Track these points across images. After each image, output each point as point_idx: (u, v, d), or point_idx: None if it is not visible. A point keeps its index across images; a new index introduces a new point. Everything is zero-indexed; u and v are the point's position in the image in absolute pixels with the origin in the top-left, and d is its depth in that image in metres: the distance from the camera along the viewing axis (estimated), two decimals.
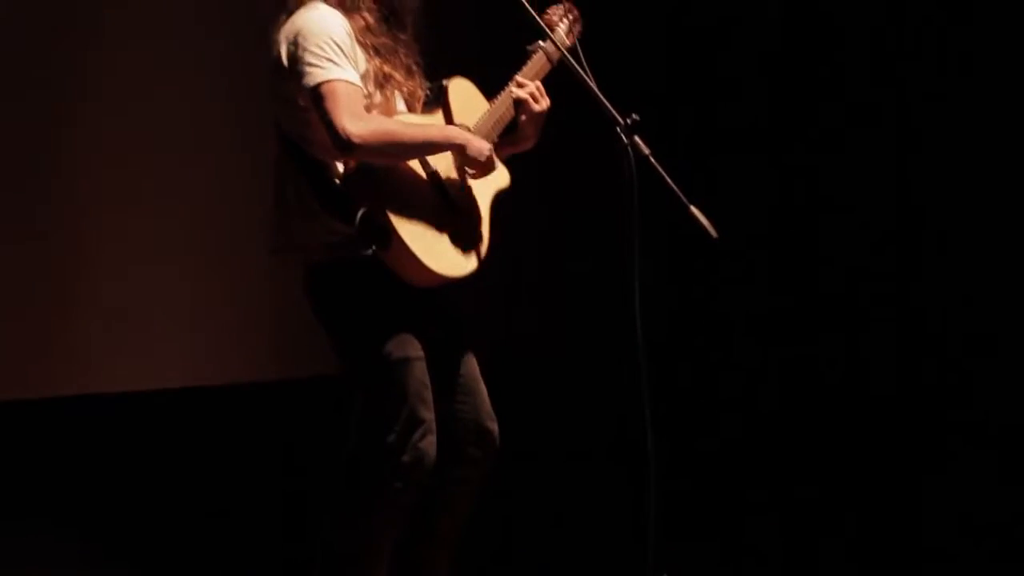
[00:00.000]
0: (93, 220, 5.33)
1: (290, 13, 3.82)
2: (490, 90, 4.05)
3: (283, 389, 5.53)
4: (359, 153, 3.70)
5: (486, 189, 3.99)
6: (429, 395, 3.81)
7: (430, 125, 3.90)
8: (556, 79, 3.98)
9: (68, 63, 5.27)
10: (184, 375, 5.40)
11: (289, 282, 3.93)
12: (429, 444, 3.79)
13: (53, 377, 5.21)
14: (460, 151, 3.87)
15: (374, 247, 3.73)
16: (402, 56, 3.90)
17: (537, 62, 4.04)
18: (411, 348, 3.79)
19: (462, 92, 4.02)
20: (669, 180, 3.69)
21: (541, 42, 4.04)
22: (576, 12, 4.23)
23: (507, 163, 4.07)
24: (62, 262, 5.29)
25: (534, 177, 4.12)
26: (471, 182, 3.95)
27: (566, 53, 3.88)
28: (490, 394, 3.99)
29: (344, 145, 3.67)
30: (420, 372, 3.80)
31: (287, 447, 5.50)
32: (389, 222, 3.73)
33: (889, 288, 6.13)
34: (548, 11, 4.16)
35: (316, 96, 3.70)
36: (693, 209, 3.69)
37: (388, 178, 3.79)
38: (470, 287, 3.93)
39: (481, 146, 3.88)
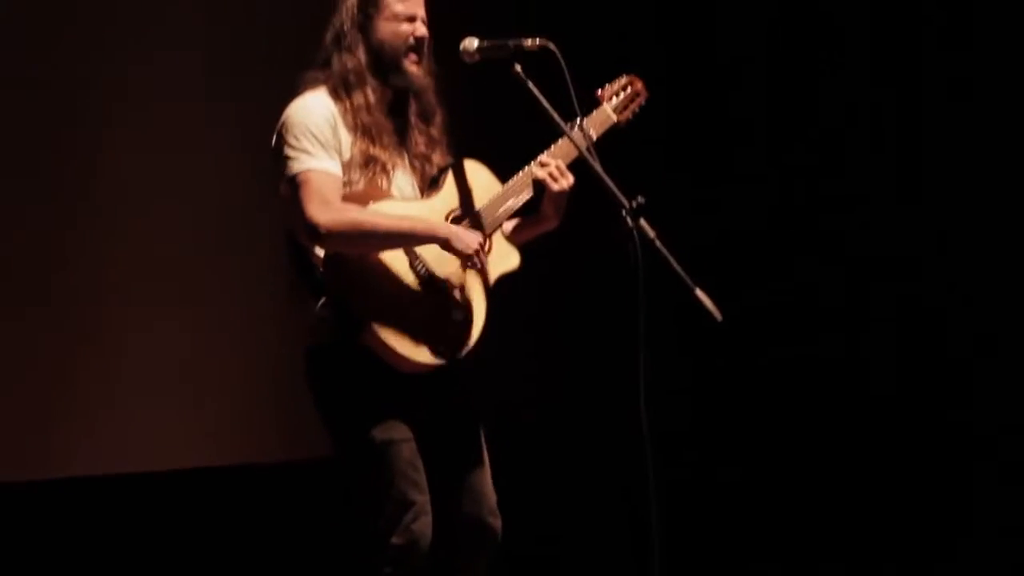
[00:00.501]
0: (96, 304, 5.36)
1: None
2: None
3: (288, 471, 5.55)
4: (327, 242, 3.71)
5: (490, 271, 3.95)
6: (420, 477, 3.79)
7: (410, 217, 3.81)
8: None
9: (71, 146, 5.31)
10: (188, 456, 5.43)
11: (294, 363, 3.93)
12: (423, 525, 3.78)
13: (53, 459, 5.23)
14: (444, 244, 3.80)
15: (346, 335, 3.73)
16: (409, 137, 3.88)
17: (564, 145, 3.96)
18: (396, 431, 3.78)
19: (470, 174, 3.96)
20: (674, 263, 3.68)
21: (580, 120, 3.97)
22: (639, 85, 4.17)
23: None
24: (64, 343, 5.31)
25: (540, 255, 4.10)
26: (468, 269, 3.90)
27: (581, 149, 3.82)
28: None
29: (312, 233, 3.69)
30: (408, 453, 3.79)
31: (291, 530, 5.53)
32: (357, 311, 3.73)
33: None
34: (608, 84, 4.13)
35: (292, 186, 3.72)
36: (698, 292, 3.68)
37: (363, 266, 3.77)
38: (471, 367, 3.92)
39: (469, 240, 3.81)
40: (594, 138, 3.99)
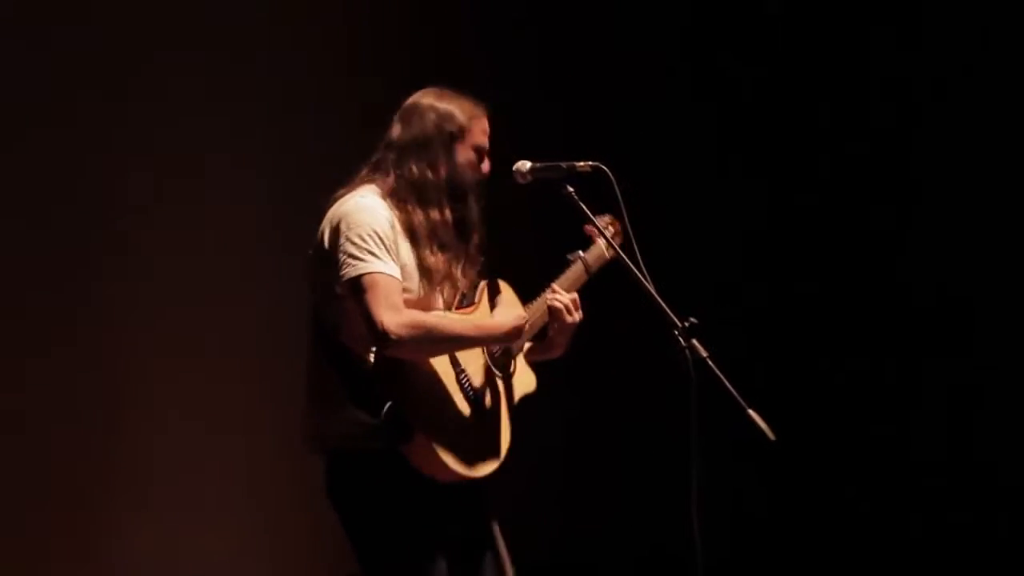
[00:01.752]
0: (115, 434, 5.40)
1: (338, 197, 3.82)
2: (528, 294, 4.06)
3: None
4: (396, 347, 3.67)
5: (513, 392, 3.99)
6: None
7: (468, 319, 3.87)
8: (614, 278, 3.97)
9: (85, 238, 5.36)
10: None
11: (316, 483, 3.91)
12: None
13: None
14: (500, 340, 3.87)
15: (394, 442, 3.71)
16: (453, 257, 3.85)
17: (575, 271, 4.06)
18: (431, 551, 3.76)
19: (499, 295, 4.00)
20: (727, 383, 3.68)
21: (581, 252, 4.08)
22: (617, 225, 4.17)
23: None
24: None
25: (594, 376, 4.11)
26: (500, 384, 3.93)
27: (633, 268, 3.85)
28: None
29: (381, 338, 3.65)
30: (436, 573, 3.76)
31: None
32: (411, 418, 3.71)
33: None
34: (593, 221, 4.11)
35: (356, 288, 3.68)
36: (751, 412, 3.68)
37: (415, 373, 3.75)
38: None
39: (518, 324, 3.86)
40: (594, 271, 4.08)
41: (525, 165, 3.94)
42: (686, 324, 3.71)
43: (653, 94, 6.70)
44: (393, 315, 3.65)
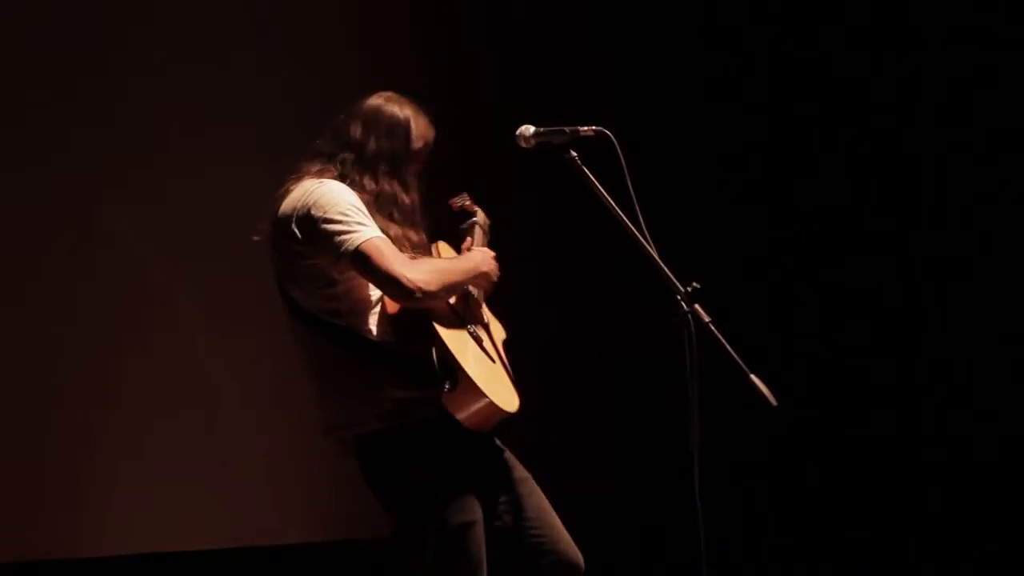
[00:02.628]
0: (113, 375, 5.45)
1: (285, 192, 3.85)
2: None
3: (313, 553, 5.55)
4: (428, 297, 3.74)
5: (496, 336, 4.08)
6: (485, 557, 3.82)
7: (461, 258, 4.02)
8: (618, 247, 3.98)
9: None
10: (212, 537, 5.45)
11: (318, 443, 3.92)
12: None
13: (63, 540, 5.32)
14: (486, 274, 4.01)
15: (444, 385, 3.73)
16: (408, 222, 3.94)
17: (479, 234, 4.18)
18: (471, 511, 3.81)
19: (446, 252, 4.13)
20: (730, 348, 3.68)
21: (473, 219, 4.22)
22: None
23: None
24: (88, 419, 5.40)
25: (586, 335, 4.12)
26: (484, 334, 4.01)
27: (638, 236, 3.85)
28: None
29: (409, 294, 3.71)
30: (479, 536, 3.82)
31: None
32: (455, 360, 3.74)
33: None
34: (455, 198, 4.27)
35: (360, 258, 3.72)
36: (753, 377, 3.67)
37: (435, 324, 3.80)
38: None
39: (487, 257, 4.04)
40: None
41: (528, 130, 3.95)
42: (689, 289, 3.71)
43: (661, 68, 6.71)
44: (412, 269, 3.72)
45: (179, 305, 5.62)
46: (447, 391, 3.73)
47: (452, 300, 3.95)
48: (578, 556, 3.97)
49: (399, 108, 3.96)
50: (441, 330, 3.79)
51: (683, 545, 3.79)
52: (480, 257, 4.03)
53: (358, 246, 3.72)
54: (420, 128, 3.97)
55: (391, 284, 3.71)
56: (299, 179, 3.87)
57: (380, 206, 3.87)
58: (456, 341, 3.82)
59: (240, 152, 5.60)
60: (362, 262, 3.72)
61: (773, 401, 3.66)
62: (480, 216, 4.26)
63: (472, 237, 4.18)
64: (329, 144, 3.95)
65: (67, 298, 5.43)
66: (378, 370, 3.77)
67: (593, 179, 3.88)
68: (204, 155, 5.65)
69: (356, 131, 3.93)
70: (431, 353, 3.74)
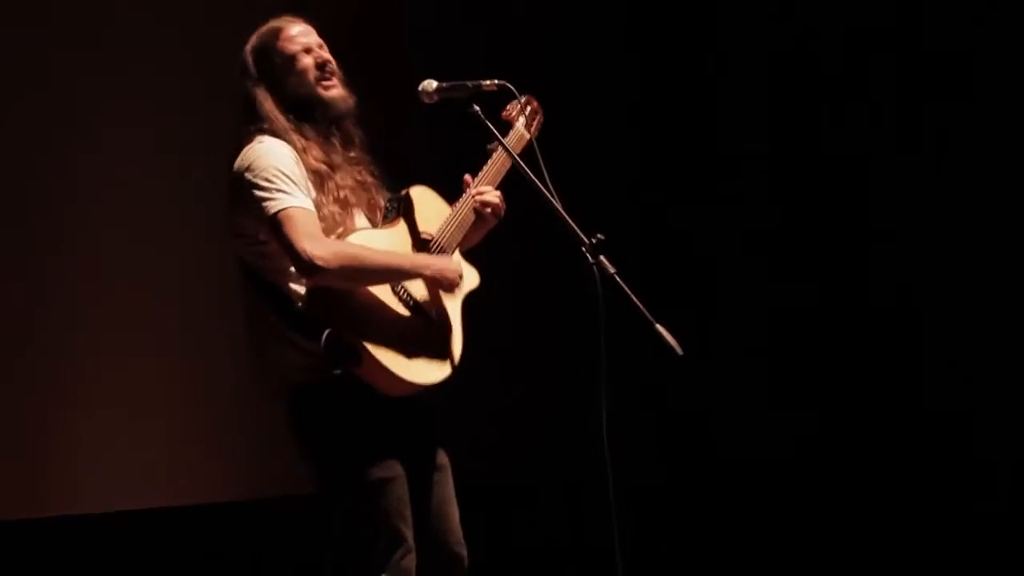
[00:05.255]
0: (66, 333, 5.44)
1: (238, 149, 3.84)
2: (452, 191, 4.07)
3: (252, 509, 5.56)
4: (323, 276, 3.71)
5: (457, 293, 3.99)
6: (409, 513, 3.83)
7: (397, 254, 3.89)
8: (522, 196, 3.97)
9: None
10: (152, 496, 5.45)
11: (256, 401, 3.94)
12: (411, 562, 3.81)
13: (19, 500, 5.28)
14: (429, 279, 3.89)
15: (343, 366, 3.74)
16: (352, 171, 3.91)
17: (496, 162, 4.05)
18: (391, 468, 3.81)
19: (423, 200, 4.02)
20: (635, 299, 3.69)
21: (501, 138, 4.02)
22: (535, 103, 4.25)
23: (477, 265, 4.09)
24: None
25: (500, 290, 4.12)
26: (440, 291, 3.95)
27: (542, 189, 3.85)
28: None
29: (307, 267, 3.69)
30: (400, 490, 3.82)
31: (258, 569, 5.54)
32: (356, 339, 3.74)
33: None
34: (508, 107, 4.17)
35: (274, 225, 3.73)
36: (659, 327, 3.69)
37: (351, 295, 3.79)
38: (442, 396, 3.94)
39: (450, 273, 3.91)
40: (517, 155, 4.04)
41: (431, 85, 3.95)
42: (594, 240, 3.71)
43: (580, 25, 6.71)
44: (314, 244, 3.69)
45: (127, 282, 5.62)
46: (348, 368, 3.72)
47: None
48: (463, 554, 3.96)
49: (255, 40, 3.93)
50: (353, 298, 3.78)
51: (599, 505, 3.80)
52: (439, 265, 3.90)
53: (274, 214, 3.73)
54: (273, 36, 3.92)
55: (291, 255, 3.71)
56: (250, 135, 3.85)
57: (309, 165, 3.85)
58: (370, 308, 3.80)
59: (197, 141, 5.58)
60: (275, 230, 3.73)
61: (679, 350, 3.68)
62: (512, 136, 4.11)
63: (485, 167, 4.05)
64: (242, 106, 3.93)
65: None
66: (298, 327, 3.78)
67: (497, 132, 3.89)
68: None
69: (246, 83, 3.92)
70: (327, 332, 3.72)
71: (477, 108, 3.88)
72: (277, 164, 3.77)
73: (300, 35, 3.94)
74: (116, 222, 5.60)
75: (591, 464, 3.74)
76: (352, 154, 3.95)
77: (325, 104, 3.92)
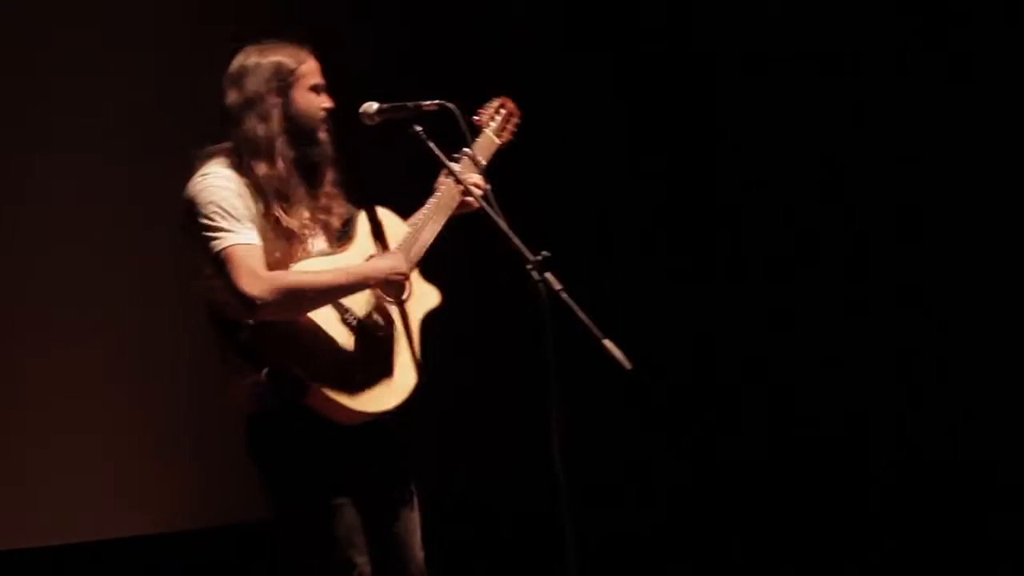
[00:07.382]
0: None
1: (191, 173, 3.83)
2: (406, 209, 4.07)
3: (208, 537, 5.54)
4: (263, 312, 3.71)
5: (414, 312, 3.98)
6: (361, 539, 3.83)
7: (337, 270, 3.85)
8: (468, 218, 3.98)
9: None
10: (108, 527, 5.43)
11: (212, 431, 3.94)
12: None
13: None
14: (377, 285, 3.87)
15: (290, 398, 3.74)
16: (309, 206, 3.88)
17: (465, 166, 4.03)
18: (339, 494, 3.81)
19: (376, 219, 4.00)
20: (582, 315, 3.70)
21: (466, 149, 4.04)
22: (511, 105, 4.25)
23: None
24: None
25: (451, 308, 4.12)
26: (394, 311, 3.93)
27: (487, 208, 3.86)
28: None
29: (248, 307, 3.70)
30: (351, 517, 3.82)
31: None
32: (298, 373, 3.74)
33: None
34: (480, 110, 4.19)
35: (217, 263, 3.73)
36: (606, 342, 3.70)
37: (293, 327, 3.77)
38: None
39: (393, 272, 3.88)
40: (483, 164, 4.06)
41: (372, 107, 3.95)
42: (539, 258, 3.72)
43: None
44: (253, 282, 3.69)
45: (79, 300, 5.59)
46: (295, 401, 3.73)
47: None
48: None
49: (259, 53, 3.89)
50: (296, 330, 3.77)
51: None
52: (383, 268, 3.88)
53: (217, 252, 3.73)
54: (289, 57, 3.88)
55: (232, 295, 3.71)
56: (201, 160, 3.84)
57: (266, 190, 3.82)
58: (315, 338, 3.78)
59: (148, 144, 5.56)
60: (218, 268, 3.73)
61: (627, 365, 3.69)
62: (481, 142, 4.13)
63: (443, 180, 4.02)
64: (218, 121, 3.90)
65: None
66: (248, 359, 3.78)
67: (439, 152, 3.89)
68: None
69: (229, 95, 3.87)
70: (266, 369, 3.73)
71: (419, 128, 3.88)
72: (218, 200, 3.76)
73: (319, 71, 3.92)
74: (65, 237, 5.56)
75: (546, 484, 3.75)
76: (315, 188, 3.91)
77: (316, 146, 3.89)
